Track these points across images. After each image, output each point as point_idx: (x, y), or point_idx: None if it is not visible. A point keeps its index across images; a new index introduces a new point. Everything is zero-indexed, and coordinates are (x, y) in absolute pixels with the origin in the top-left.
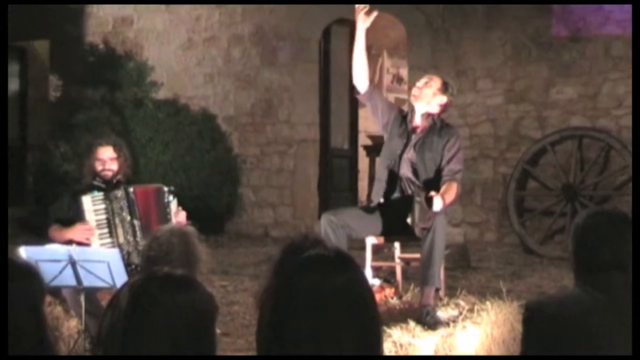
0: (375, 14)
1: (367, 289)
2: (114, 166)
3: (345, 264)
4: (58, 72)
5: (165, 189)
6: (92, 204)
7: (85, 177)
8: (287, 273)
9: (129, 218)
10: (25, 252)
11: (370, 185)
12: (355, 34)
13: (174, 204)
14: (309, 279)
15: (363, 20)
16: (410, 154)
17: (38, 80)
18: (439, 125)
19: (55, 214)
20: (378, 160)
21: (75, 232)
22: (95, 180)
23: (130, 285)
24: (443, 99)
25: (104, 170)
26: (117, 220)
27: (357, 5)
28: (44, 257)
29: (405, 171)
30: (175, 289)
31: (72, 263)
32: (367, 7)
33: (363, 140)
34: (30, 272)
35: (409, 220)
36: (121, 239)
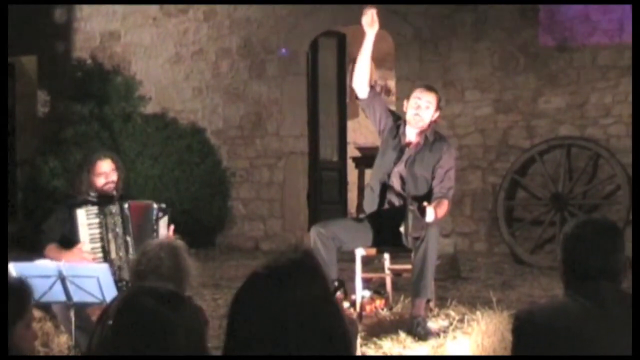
0: (374, 11)
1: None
2: (114, 177)
3: (302, 276)
4: (46, 87)
5: (155, 206)
6: (86, 218)
7: (82, 192)
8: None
9: (122, 234)
10: (14, 268)
11: (360, 197)
12: (342, 46)
13: (163, 222)
14: (258, 296)
15: (370, 26)
16: (401, 167)
17: (26, 96)
18: (431, 140)
19: (49, 230)
20: (371, 171)
21: (73, 256)
22: (89, 195)
23: (119, 300)
24: (437, 114)
25: (107, 183)
26: (110, 236)
27: (364, 12)
28: (33, 273)
29: (396, 184)
30: (165, 303)
31: (62, 279)
32: (371, 11)
33: (352, 152)
34: (7, 291)
35: (401, 229)
36: (113, 255)
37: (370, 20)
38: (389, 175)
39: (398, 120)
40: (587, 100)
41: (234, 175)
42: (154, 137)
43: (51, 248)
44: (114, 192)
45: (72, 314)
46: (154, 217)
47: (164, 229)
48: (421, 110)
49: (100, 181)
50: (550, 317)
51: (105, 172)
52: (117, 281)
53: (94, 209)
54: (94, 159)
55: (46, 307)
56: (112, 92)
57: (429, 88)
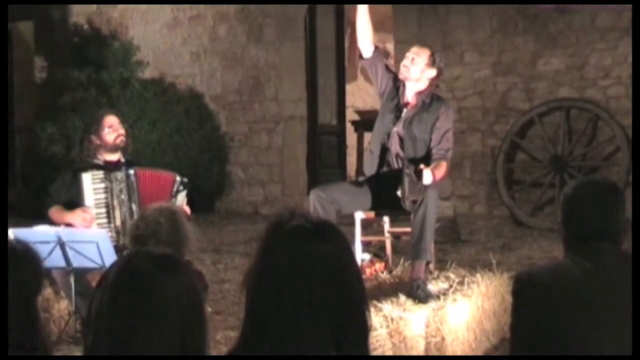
0: None
1: (351, 259)
2: (122, 131)
3: (327, 234)
4: (43, 53)
5: (178, 179)
6: (92, 182)
7: (90, 156)
8: (270, 245)
9: (127, 201)
10: (13, 235)
11: (359, 160)
12: (340, 9)
13: (181, 196)
14: (290, 249)
15: None
16: (399, 128)
17: (23, 62)
18: (428, 101)
19: (55, 192)
20: (369, 134)
21: (75, 217)
22: (97, 159)
23: (116, 264)
24: (432, 72)
25: (118, 136)
26: (115, 202)
27: None
28: (32, 238)
29: (395, 146)
30: (163, 267)
31: (61, 244)
32: None
33: (350, 115)
34: (25, 258)
35: (398, 193)
36: (117, 221)
37: None
38: (388, 136)
39: (398, 82)
40: (586, 62)
41: (232, 140)
42: (152, 103)
43: (55, 210)
44: (121, 155)
45: (72, 279)
46: (174, 190)
47: (182, 203)
48: (407, 61)
49: (110, 135)
50: (550, 279)
51: (114, 125)
52: (121, 247)
53: (100, 174)
54: (100, 115)
55: (46, 273)
56: (110, 57)
57: (423, 44)
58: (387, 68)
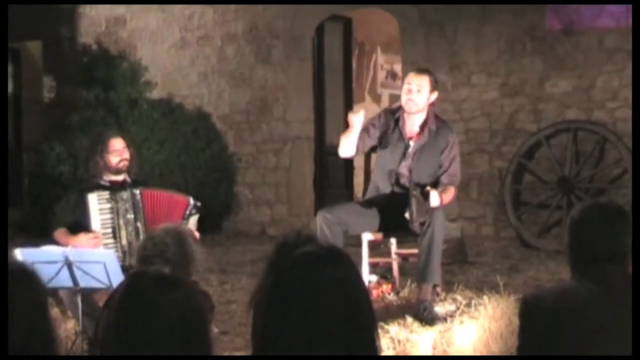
0: (362, 111)
1: (361, 285)
2: (127, 155)
3: (338, 260)
4: (52, 73)
5: (192, 202)
6: (97, 203)
7: (96, 176)
8: (280, 271)
9: (133, 220)
10: (21, 254)
11: (366, 181)
12: (348, 30)
13: (193, 219)
14: (301, 275)
15: (355, 114)
16: (408, 162)
17: (32, 82)
18: (434, 129)
19: (60, 212)
20: (374, 162)
21: (80, 241)
22: (102, 179)
23: (122, 285)
24: (434, 96)
25: (121, 160)
26: (121, 222)
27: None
28: (40, 258)
29: (403, 179)
30: (162, 288)
31: (68, 264)
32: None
33: None
34: (29, 273)
35: (406, 214)
36: (124, 241)
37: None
38: (395, 172)
39: (388, 116)
40: (593, 84)
41: (240, 160)
42: (160, 123)
43: (60, 232)
44: (126, 176)
45: (79, 299)
46: (187, 213)
47: (193, 227)
48: (412, 94)
49: (114, 159)
50: (557, 301)
51: (119, 150)
52: (127, 267)
53: (106, 194)
54: (106, 137)
55: (53, 293)
56: (118, 77)
57: (419, 71)
58: (369, 134)
